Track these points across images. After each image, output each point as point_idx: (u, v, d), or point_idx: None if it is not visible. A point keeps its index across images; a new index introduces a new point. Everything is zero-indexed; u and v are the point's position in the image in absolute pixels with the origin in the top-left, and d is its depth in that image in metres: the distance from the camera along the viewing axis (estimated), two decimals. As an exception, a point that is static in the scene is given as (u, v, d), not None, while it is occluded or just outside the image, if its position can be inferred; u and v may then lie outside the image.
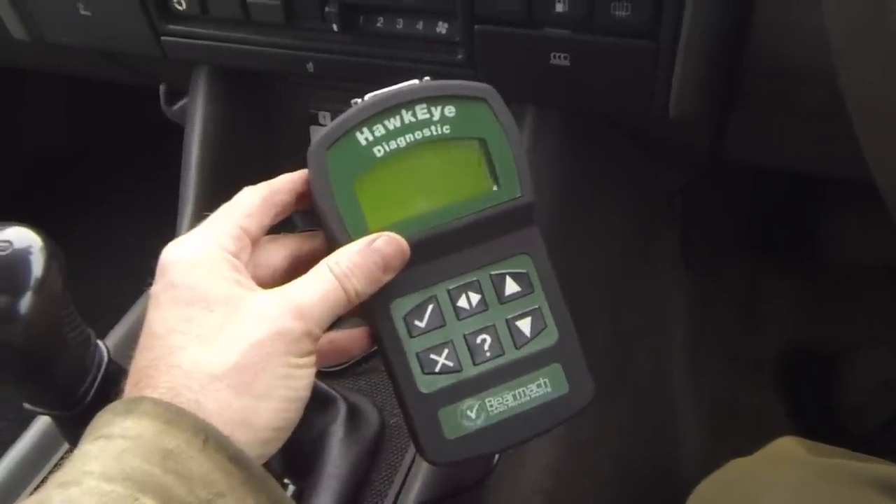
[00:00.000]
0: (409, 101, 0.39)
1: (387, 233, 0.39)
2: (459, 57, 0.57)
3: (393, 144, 0.39)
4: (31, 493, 0.57)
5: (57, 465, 0.60)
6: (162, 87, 0.83)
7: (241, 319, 0.35)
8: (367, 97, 0.39)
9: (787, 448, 0.49)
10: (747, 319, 1.15)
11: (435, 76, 0.41)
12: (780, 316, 1.14)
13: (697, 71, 0.52)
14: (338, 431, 0.60)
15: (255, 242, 0.39)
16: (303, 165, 0.84)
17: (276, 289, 0.37)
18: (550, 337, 0.41)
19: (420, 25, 0.58)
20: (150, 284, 0.38)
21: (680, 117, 0.54)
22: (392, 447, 0.61)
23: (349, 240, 0.39)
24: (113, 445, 0.32)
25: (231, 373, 0.34)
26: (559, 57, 0.54)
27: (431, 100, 0.40)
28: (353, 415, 0.61)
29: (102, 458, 0.31)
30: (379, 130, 0.39)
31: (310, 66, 0.63)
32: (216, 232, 0.37)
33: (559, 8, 0.51)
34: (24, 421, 1.09)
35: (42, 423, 0.62)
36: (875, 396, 1.02)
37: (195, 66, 0.76)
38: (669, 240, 1.05)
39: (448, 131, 0.40)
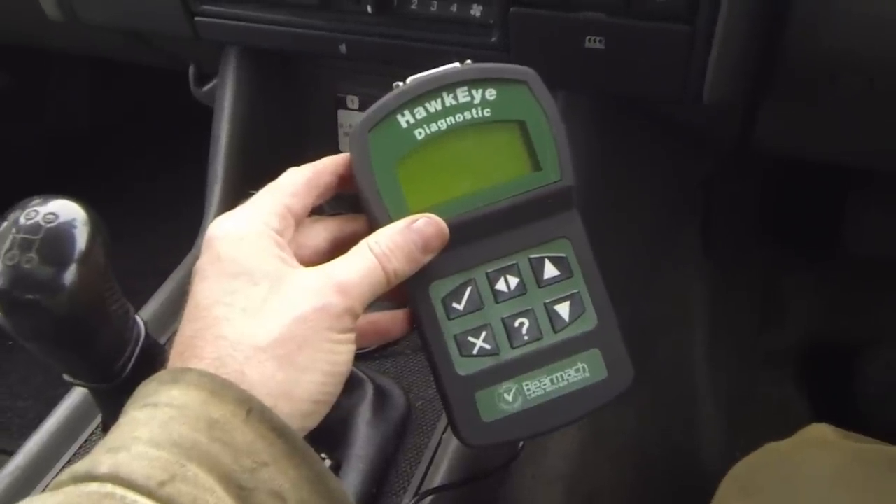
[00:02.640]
0: (450, 84, 0.39)
1: (427, 214, 0.39)
2: (493, 39, 0.57)
3: (434, 127, 0.39)
4: (64, 466, 0.59)
5: (87, 441, 0.60)
6: (191, 69, 0.84)
7: (285, 294, 0.35)
8: (408, 80, 0.40)
9: (821, 433, 0.49)
10: (768, 312, 1.15)
11: (474, 59, 0.41)
12: (801, 309, 1.14)
13: (734, 56, 0.52)
14: (365, 413, 0.60)
15: (298, 222, 0.39)
16: (330, 148, 0.85)
17: (319, 266, 0.37)
18: (589, 321, 0.41)
19: (454, 7, 0.58)
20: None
21: (714, 103, 0.54)
22: (418, 429, 0.61)
23: (389, 221, 0.39)
24: (160, 413, 0.32)
25: (275, 345, 0.34)
26: (594, 41, 0.54)
27: (473, 83, 0.40)
28: (380, 397, 0.61)
29: (150, 426, 0.32)
30: (420, 113, 0.39)
31: (343, 47, 0.63)
32: (262, 209, 0.38)
33: (596, -9, 0.51)
34: (46, 401, 1.11)
35: (73, 398, 0.62)
36: (895, 391, 1.01)
37: (225, 48, 0.76)
38: (692, 231, 1.05)
39: (489, 114, 0.40)
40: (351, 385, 0.61)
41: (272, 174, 0.72)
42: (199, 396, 0.33)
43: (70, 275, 0.38)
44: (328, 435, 0.59)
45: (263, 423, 0.33)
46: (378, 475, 0.58)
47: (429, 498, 0.55)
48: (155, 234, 1.27)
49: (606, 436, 0.77)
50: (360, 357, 0.65)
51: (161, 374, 0.35)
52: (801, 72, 0.55)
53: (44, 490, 0.32)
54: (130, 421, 0.33)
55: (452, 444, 0.58)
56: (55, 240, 0.38)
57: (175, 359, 0.36)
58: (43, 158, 1.42)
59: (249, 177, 0.77)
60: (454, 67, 0.40)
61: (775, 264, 1.17)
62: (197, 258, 0.74)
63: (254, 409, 0.33)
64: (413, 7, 0.59)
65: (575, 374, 0.41)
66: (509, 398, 0.41)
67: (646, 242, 0.91)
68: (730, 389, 1.03)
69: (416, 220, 0.39)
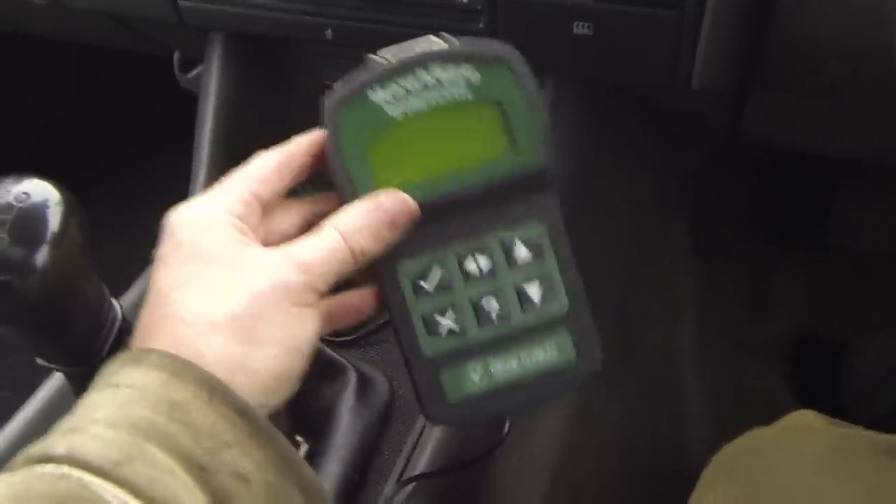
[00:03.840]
0: (429, 61, 0.38)
1: (393, 190, 0.38)
2: (481, 25, 0.57)
3: (408, 105, 0.38)
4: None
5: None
6: (176, 55, 0.83)
7: (243, 273, 0.35)
8: (382, 52, 0.38)
9: (806, 419, 0.49)
10: (756, 305, 1.14)
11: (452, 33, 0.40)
12: (789, 302, 1.14)
13: (722, 41, 0.52)
14: (348, 400, 0.60)
15: (266, 207, 0.38)
16: (316, 135, 0.84)
17: (281, 246, 0.36)
18: (560, 304, 0.41)
19: (441, -7, 0.58)
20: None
21: (703, 89, 0.54)
22: (401, 417, 0.61)
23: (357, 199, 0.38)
24: (120, 395, 0.32)
25: (231, 322, 0.34)
26: (582, 26, 0.53)
27: (450, 59, 0.38)
28: (364, 384, 0.61)
29: (108, 407, 0.31)
30: (394, 90, 0.38)
31: (328, 32, 0.62)
32: (227, 196, 0.37)
33: (583, -24, 0.51)
34: (26, 391, 1.10)
35: (50, 386, 0.62)
36: (882, 384, 1.01)
37: (210, 34, 0.75)
38: (680, 223, 1.05)
39: (468, 94, 0.39)
40: (334, 372, 0.61)
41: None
42: (159, 377, 0.32)
43: (42, 256, 0.37)
44: (311, 422, 0.59)
45: (225, 404, 0.32)
46: (360, 463, 0.58)
47: (411, 485, 0.55)
48: (141, 221, 1.26)
49: (593, 426, 0.77)
50: (344, 345, 0.66)
51: (123, 356, 0.34)
52: (787, 60, 0.55)
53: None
54: (89, 403, 0.32)
55: (436, 432, 0.57)
56: (27, 220, 0.37)
57: (135, 343, 0.35)
58: (28, 145, 1.41)
59: (234, 164, 0.76)
60: (429, 40, 0.39)
61: (764, 257, 1.17)
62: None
63: (216, 390, 0.32)
64: (399, -9, 0.59)
65: (543, 355, 0.40)
66: (476, 378, 0.40)
67: (634, 233, 0.90)
68: (717, 381, 1.03)
69: (381, 195, 0.38)
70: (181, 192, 0.78)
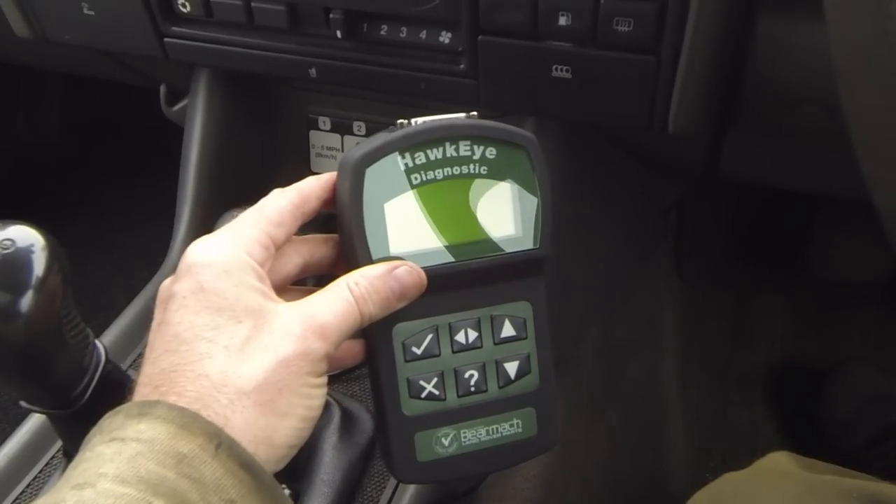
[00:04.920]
0: (455, 136, 0.40)
1: (408, 263, 0.39)
2: (462, 66, 0.58)
3: (430, 175, 0.40)
4: (23, 491, 0.58)
5: (47, 465, 0.59)
6: (162, 88, 0.83)
7: (268, 334, 0.35)
8: (415, 122, 0.40)
9: (780, 463, 0.50)
10: (738, 334, 1.16)
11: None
12: (770, 331, 1.15)
13: (697, 87, 0.53)
14: (331, 437, 0.60)
15: (278, 249, 0.39)
16: (301, 168, 0.84)
17: (298, 303, 0.37)
18: (532, 382, 0.43)
19: (423, 34, 0.59)
20: None
21: (679, 132, 0.55)
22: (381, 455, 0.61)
23: (369, 261, 0.39)
24: (127, 448, 0.32)
25: (258, 389, 0.34)
26: (561, 69, 0.54)
27: (476, 138, 0.40)
28: (347, 420, 0.61)
29: (117, 461, 0.31)
30: (420, 158, 0.40)
31: (312, 71, 0.63)
32: (246, 237, 0.38)
33: (562, 21, 0.52)
34: (13, 421, 1.09)
35: (34, 422, 0.61)
36: (861, 413, 1.03)
37: (196, 68, 0.76)
38: (663, 254, 1.06)
39: (485, 171, 0.41)
40: (317, 409, 0.61)
41: (243, 196, 0.72)
42: (167, 430, 0.32)
43: (26, 302, 0.37)
44: (294, 459, 0.59)
45: (232, 459, 0.33)
46: (343, 500, 0.57)
47: (394, 524, 0.55)
48: (124, 250, 1.26)
49: (575, 457, 0.77)
50: (327, 380, 0.66)
51: (128, 407, 0.34)
52: (761, 102, 0.56)
53: None
54: (97, 456, 0.32)
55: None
56: (11, 266, 0.37)
57: (150, 391, 0.35)
58: (12, 172, 1.41)
59: (219, 198, 0.77)
60: (460, 118, 0.41)
61: (746, 286, 1.18)
62: (163, 281, 0.73)
63: (223, 444, 0.33)
64: (382, 33, 0.60)
65: (509, 428, 0.43)
66: (446, 442, 0.42)
67: (617, 263, 0.91)
68: (699, 411, 1.04)
69: (398, 266, 0.39)
70: (167, 222, 0.78)
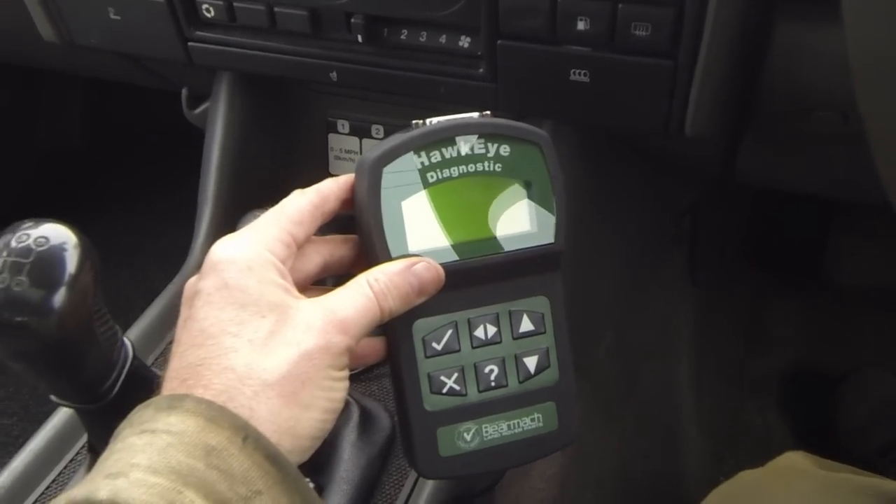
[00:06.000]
0: (469, 135, 0.41)
1: (427, 259, 0.40)
2: (481, 70, 0.59)
3: (446, 173, 0.41)
4: (49, 486, 0.59)
5: (72, 461, 0.61)
6: (184, 91, 0.84)
7: (291, 328, 0.36)
8: (429, 122, 0.41)
9: (795, 461, 0.50)
10: (751, 339, 1.16)
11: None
12: (784, 337, 1.15)
13: (714, 91, 0.53)
14: (350, 435, 0.60)
15: (299, 248, 0.40)
16: (320, 171, 0.85)
17: (320, 299, 0.38)
18: (552, 377, 0.44)
19: (443, 39, 0.60)
20: None
21: (695, 136, 0.55)
22: (403, 452, 0.62)
23: (388, 258, 0.40)
24: (158, 440, 0.33)
25: (282, 381, 0.35)
26: (579, 73, 0.55)
27: (490, 136, 0.41)
28: (366, 419, 0.62)
29: (148, 452, 0.32)
30: (436, 157, 0.40)
31: (333, 74, 0.64)
32: (267, 236, 0.39)
33: (581, 26, 0.53)
34: (32, 418, 1.10)
35: (58, 419, 0.63)
36: (876, 418, 1.02)
37: (218, 72, 0.77)
38: (677, 258, 1.06)
39: (499, 169, 0.41)
40: (336, 407, 0.62)
41: (262, 197, 0.73)
42: (195, 423, 0.33)
43: (59, 298, 0.38)
44: (314, 457, 0.60)
45: (258, 451, 0.33)
46: (362, 497, 0.58)
47: (412, 521, 0.56)
48: (143, 253, 1.28)
49: (590, 459, 0.78)
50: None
51: (157, 400, 0.35)
52: (777, 107, 0.57)
53: None
54: (128, 447, 0.33)
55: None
56: (45, 263, 0.38)
57: (177, 385, 0.36)
58: (34, 175, 1.43)
59: (239, 199, 0.78)
60: (473, 117, 0.42)
61: (760, 292, 1.18)
62: (185, 281, 0.75)
63: (249, 437, 0.33)
64: (402, 38, 0.61)
65: (530, 422, 0.43)
66: (468, 437, 0.43)
67: (632, 268, 0.92)
68: (713, 415, 1.04)
69: (417, 262, 0.39)
70: (185, 225, 0.79)
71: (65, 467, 0.60)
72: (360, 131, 0.78)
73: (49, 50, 0.78)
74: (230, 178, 0.79)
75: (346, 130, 0.78)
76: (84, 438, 0.61)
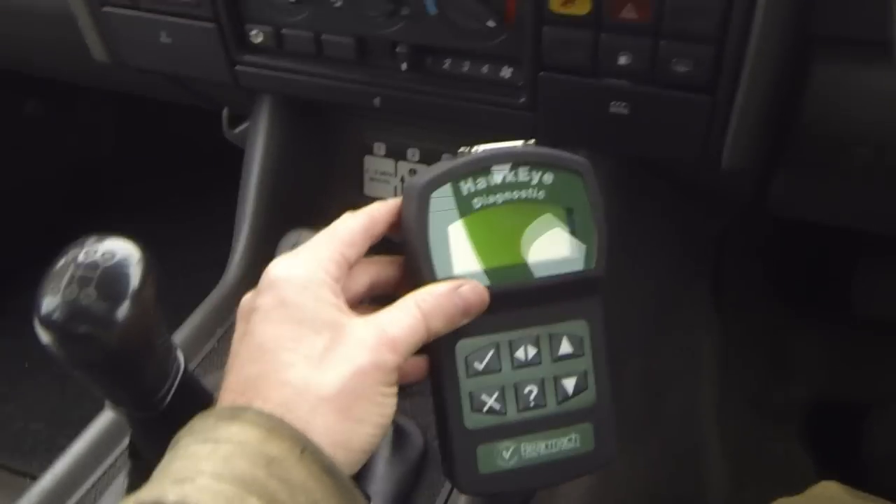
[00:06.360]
0: (515, 163, 0.42)
1: (473, 281, 0.41)
2: (522, 100, 0.60)
3: (491, 199, 0.42)
4: (88, 491, 0.60)
5: (111, 467, 0.62)
6: (225, 112, 0.87)
7: (345, 346, 0.38)
8: (476, 150, 0.43)
9: (831, 491, 0.51)
10: (775, 369, 1.16)
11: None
12: (809, 367, 1.15)
13: (752, 126, 0.55)
14: (383, 451, 0.61)
15: (350, 268, 0.42)
16: (355, 192, 0.87)
17: (370, 318, 0.39)
18: (589, 398, 0.45)
19: (485, 69, 0.61)
20: None
21: (731, 168, 0.57)
22: (435, 468, 0.62)
23: (434, 280, 0.41)
24: (221, 449, 0.34)
25: (337, 396, 0.37)
26: (618, 105, 0.57)
27: (534, 164, 0.43)
28: (399, 435, 0.63)
29: (213, 460, 0.34)
30: (482, 184, 0.42)
31: (377, 101, 0.66)
32: (322, 256, 0.40)
33: (622, 61, 0.54)
34: (60, 423, 1.11)
35: (99, 424, 0.64)
36: (902, 451, 1.02)
37: (259, 94, 0.79)
38: (703, 286, 1.07)
39: (542, 196, 0.43)
40: (370, 424, 0.63)
41: (299, 215, 0.75)
42: (257, 434, 0.35)
43: (123, 311, 0.40)
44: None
45: (316, 463, 0.35)
46: (395, 514, 0.59)
47: (444, 538, 0.57)
48: (172, 267, 1.29)
49: (616, 483, 0.78)
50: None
51: (219, 411, 0.36)
52: (813, 143, 0.58)
53: None
54: (192, 454, 0.35)
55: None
56: (111, 277, 0.40)
57: (236, 397, 0.37)
58: (68, 188, 1.46)
59: (277, 217, 0.80)
60: (517, 146, 0.43)
61: (784, 322, 1.18)
62: (226, 295, 0.76)
63: (307, 449, 0.35)
64: (445, 67, 0.62)
65: (567, 443, 0.44)
66: (507, 455, 0.44)
67: (657, 296, 0.92)
68: (736, 442, 1.04)
69: (462, 285, 0.41)
70: (214, 240, 0.81)
71: (104, 472, 0.62)
72: (396, 154, 0.80)
73: (94, 68, 0.81)
74: (268, 198, 0.81)
75: (383, 153, 0.80)
76: (123, 444, 0.62)
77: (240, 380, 0.38)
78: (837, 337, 1.15)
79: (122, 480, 0.59)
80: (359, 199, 0.80)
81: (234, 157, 0.84)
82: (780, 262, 1.22)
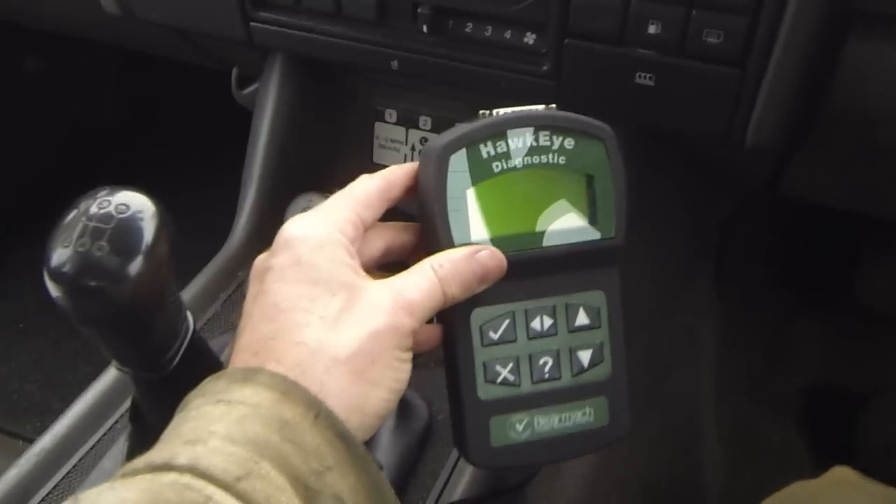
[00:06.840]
0: (535, 126, 0.41)
1: (490, 247, 0.40)
2: (545, 68, 0.59)
3: (511, 163, 0.41)
4: (87, 452, 0.59)
5: (111, 429, 0.61)
6: (235, 71, 0.85)
7: (360, 308, 0.37)
8: (496, 112, 0.41)
9: (848, 475, 0.50)
10: (774, 356, 1.16)
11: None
12: (807, 354, 1.15)
13: (780, 103, 0.54)
14: (388, 422, 0.61)
15: (365, 230, 0.41)
16: (364, 158, 0.85)
17: (386, 281, 0.38)
18: (604, 371, 0.44)
19: (508, 34, 0.60)
20: None
21: (755, 146, 0.55)
22: (439, 442, 0.62)
23: (451, 245, 0.40)
24: (234, 410, 0.33)
25: (353, 358, 0.36)
26: (644, 77, 0.55)
27: (556, 129, 0.41)
28: (403, 407, 0.62)
29: (225, 421, 0.33)
30: (501, 147, 0.41)
31: (395, 63, 0.64)
32: (338, 217, 0.39)
33: (651, 30, 0.53)
34: (55, 385, 1.10)
35: (100, 386, 0.63)
36: (897, 441, 1.02)
37: (271, 54, 0.77)
38: (706, 270, 1.07)
39: (563, 161, 0.41)
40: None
41: (306, 180, 0.73)
42: (270, 396, 0.34)
43: (136, 265, 0.38)
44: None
45: (330, 428, 0.34)
46: (398, 484, 0.58)
47: (449, 510, 0.56)
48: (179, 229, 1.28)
49: (617, 463, 0.78)
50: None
51: (231, 372, 0.35)
52: (839, 122, 0.57)
53: (120, 478, 0.32)
54: (204, 415, 0.34)
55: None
56: (125, 231, 0.38)
57: (248, 357, 0.36)
58: (67, 148, 1.44)
59: (283, 181, 0.79)
60: (539, 109, 0.42)
61: (785, 308, 1.18)
62: (230, 258, 0.75)
63: (321, 413, 0.34)
64: (467, 30, 0.61)
65: (581, 416, 0.44)
66: (520, 428, 0.43)
67: (661, 278, 0.92)
68: (733, 427, 1.04)
69: (480, 250, 0.40)
70: (215, 204, 0.80)
71: (104, 434, 0.61)
72: (408, 121, 0.78)
73: (101, 21, 0.79)
74: (275, 160, 0.79)
75: (394, 120, 0.79)
76: (123, 407, 0.61)
77: (253, 339, 0.37)
78: (836, 326, 1.15)
79: (122, 443, 0.58)
80: (368, 166, 0.79)
81: (243, 121, 0.82)
82: (783, 250, 1.21)
